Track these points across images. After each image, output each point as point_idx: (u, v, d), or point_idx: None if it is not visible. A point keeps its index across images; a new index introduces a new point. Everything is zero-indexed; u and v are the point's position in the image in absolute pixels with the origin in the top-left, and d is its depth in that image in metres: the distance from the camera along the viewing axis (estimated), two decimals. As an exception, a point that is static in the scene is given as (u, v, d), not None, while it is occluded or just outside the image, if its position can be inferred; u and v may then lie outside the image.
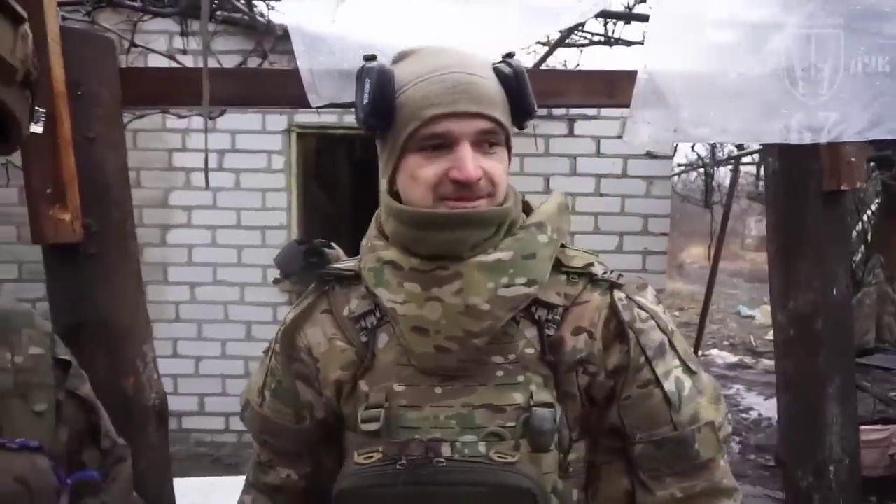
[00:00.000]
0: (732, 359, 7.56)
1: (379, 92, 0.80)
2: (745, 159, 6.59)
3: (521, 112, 0.85)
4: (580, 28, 2.80)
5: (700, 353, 6.14)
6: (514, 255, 0.81)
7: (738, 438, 5.05)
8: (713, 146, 6.06)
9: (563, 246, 0.90)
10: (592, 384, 0.87)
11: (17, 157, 1.40)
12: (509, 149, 0.86)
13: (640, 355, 0.86)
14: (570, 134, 3.87)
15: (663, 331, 0.88)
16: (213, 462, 3.93)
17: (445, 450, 0.82)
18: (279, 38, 2.93)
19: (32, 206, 1.30)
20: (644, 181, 3.88)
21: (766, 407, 5.77)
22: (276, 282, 0.95)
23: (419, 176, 0.81)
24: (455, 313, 0.80)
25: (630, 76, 1.50)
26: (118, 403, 1.39)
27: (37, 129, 1.30)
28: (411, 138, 0.80)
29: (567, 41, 2.90)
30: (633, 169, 3.88)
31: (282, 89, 1.45)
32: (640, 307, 0.88)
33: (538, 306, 0.85)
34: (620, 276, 0.90)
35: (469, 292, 0.80)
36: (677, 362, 0.88)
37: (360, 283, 0.90)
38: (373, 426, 0.82)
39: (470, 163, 0.78)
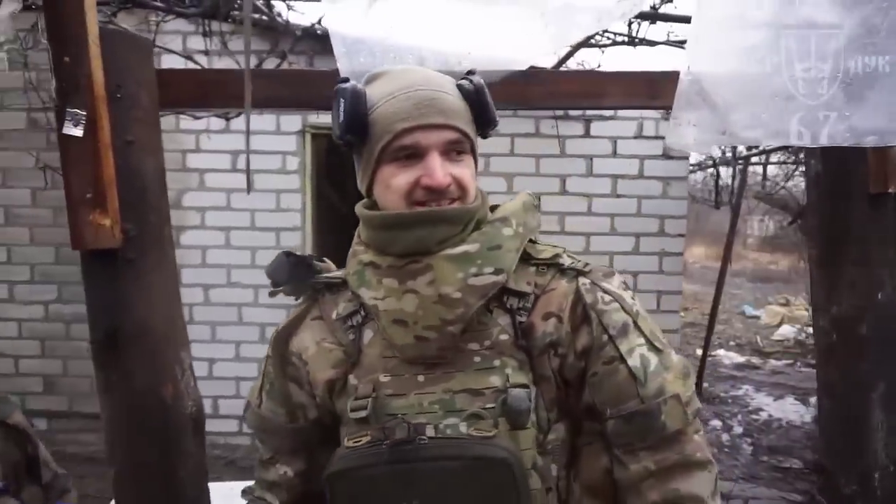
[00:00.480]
0: (740, 359, 7.54)
1: (352, 110, 0.88)
2: (752, 159, 6.57)
3: (483, 122, 0.94)
4: (605, 29, 2.78)
5: (708, 353, 6.10)
6: (480, 247, 0.89)
7: (749, 440, 5.03)
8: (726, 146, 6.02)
9: (532, 241, 0.97)
10: (563, 365, 0.93)
11: (54, 160, 1.38)
12: (475, 156, 0.94)
13: (603, 333, 0.92)
14: (587, 135, 3.85)
15: (627, 312, 0.94)
16: (227, 465, 3.90)
17: (430, 431, 0.87)
18: (297, 38, 2.90)
19: (72, 211, 1.27)
20: (660, 182, 3.85)
21: (776, 408, 5.74)
22: (271, 293, 0.96)
23: (393, 185, 0.89)
24: (430, 303, 0.87)
25: (672, 77, 1.48)
26: (156, 411, 1.36)
27: (76, 132, 1.27)
28: (384, 150, 0.88)
29: (590, 41, 2.87)
30: (649, 170, 3.86)
31: (322, 91, 1.42)
32: (605, 291, 0.94)
33: (509, 295, 0.92)
34: (587, 265, 0.97)
35: (441, 282, 0.87)
36: (642, 341, 0.93)
37: (346, 288, 0.98)
38: (361, 413, 0.89)
39: (439, 170, 0.87)
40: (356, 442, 0.88)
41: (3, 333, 4.02)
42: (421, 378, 0.91)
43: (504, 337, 0.91)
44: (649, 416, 0.90)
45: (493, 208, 0.98)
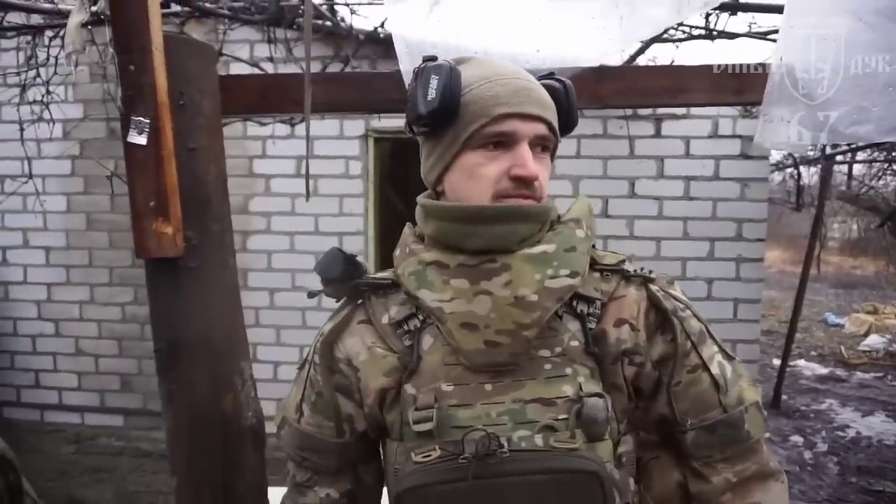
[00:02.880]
0: (822, 371, 7.09)
1: (450, 87, 0.82)
2: (837, 157, 6.17)
3: (566, 125, 0.90)
4: (680, 22, 2.63)
5: (787, 363, 5.75)
6: (556, 248, 0.84)
7: (835, 459, 4.70)
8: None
9: (593, 246, 0.93)
10: (640, 375, 0.89)
11: (122, 168, 1.39)
12: (552, 157, 0.91)
13: (687, 341, 0.89)
14: (658, 135, 3.68)
15: (699, 319, 0.92)
16: (291, 467, 3.94)
17: (503, 445, 0.81)
18: (361, 42, 2.89)
19: (136, 219, 1.27)
20: (738, 183, 3.64)
21: (864, 425, 5.36)
22: (310, 295, 0.87)
23: (479, 173, 0.83)
24: (504, 305, 0.82)
25: (761, 70, 1.35)
26: (215, 423, 1.35)
27: (140, 140, 1.26)
28: (475, 135, 0.83)
29: (663, 36, 2.72)
30: (725, 171, 3.65)
31: (383, 94, 1.37)
32: (675, 298, 0.92)
33: (579, 300, 0.87)
34: (651, 271, 0.93)
35: (518, 284, 0.82)
36: (716, 348, 0.92)
37: (396, 291, 0.92)
38: (426, 426, 0.82)
39: (531, 161, 0.83)
40: (426, 457, 0.81)
41: (84, 333, 4.21)
42: (488, 387, 0.85)
43: (575, 343, 0.86)
44: (733, 426, 0.88)
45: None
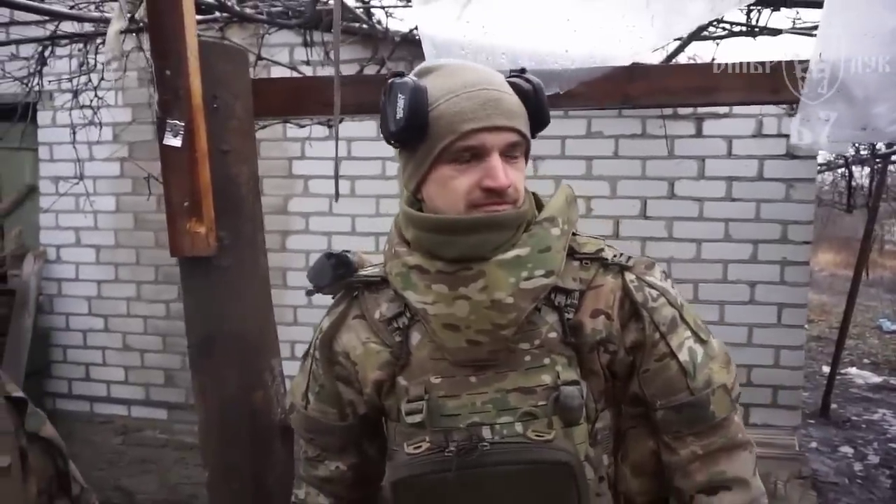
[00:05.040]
0: (875, 379, 6.79)
1: (414, 106, 0.85)
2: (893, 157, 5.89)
3: (539, 123, 0.92)
4: (719, 19, 2.55)
5: (837, 371, 5.53)
6: (531, 251, 0.89)
7: (887, 472, 4.50)
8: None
9: (574, 234, 0.97)
10: (614, 361, 0.95)
11: (158, 170, 1.43)
12: (527, 157, 0.94)
13: (655, 332, 0.94)
14: (698, 134, 3.58)
15: (673, 305, 0.96)
16: (327, 464, 3.99)
17: (486, 433, 0.89)
18: (397, 44, 2.91)
19: (171, 219, 1.31)
20: (783, 184, 3.51)
21: (920, 437, 5.11)
22: (308, 293, 0.96)
23: (452, 186, 0.87)
24: (482, 309, 0.87)
25: (798, 67, 1.31)
26: (246, 418, 1.38)
27: (175, 142, 1.31)
28: (445, 151, 0.86)
29: (702, 33, 2.66)
30: (770, 171, 3.53)
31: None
32: (651, 286, 0.96)
33: (557, 293, 0.92)
34: (629, 258, 0.97)
35: (493, 288, 0.87)
36: (689, 333, 0.96)
37: (387, 287, 0.98)
38: (416, 418, 0.90)
39: (501, 172, 0.86)
40: (416, 448, 0.90)
41: (131, 329, 4.35)
42: (473, 379, 0.92)
43: (553, 335, 0.92)
44: (699, 407, 0.94)
45: (536, 200, 0.98)
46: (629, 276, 0.96)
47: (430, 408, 0.90)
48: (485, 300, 0.87)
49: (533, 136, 0.94)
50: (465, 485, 0.87)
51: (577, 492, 0.88)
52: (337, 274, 1.00)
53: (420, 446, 0.90)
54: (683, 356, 0.94)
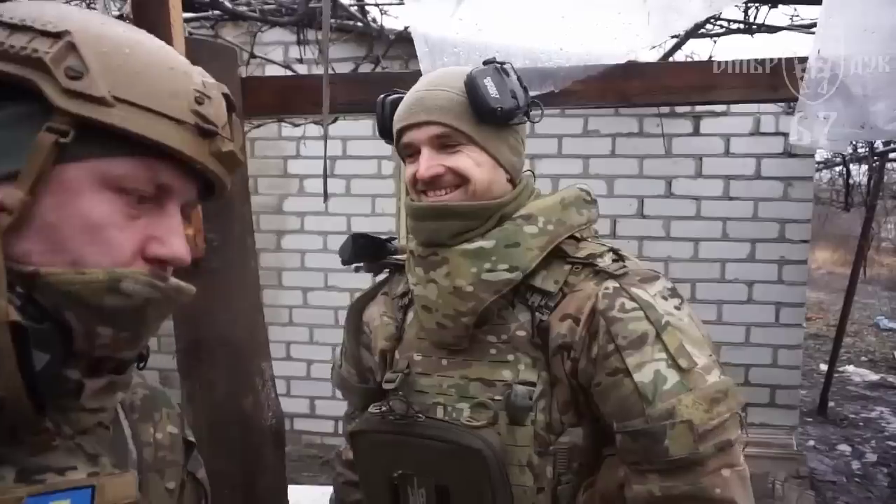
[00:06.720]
0: (873, 377, 6.79)
1: (382, 117, 1.02)
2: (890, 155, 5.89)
3: (481, 114, 0.92)
4: (716, 16, 2.53)
5: (835, 369, 5.52)
6: (496, 244, 0.91)
7: (885, 470, 4.50)
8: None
9: (576, 238, 0.96)
10: (576, 370, 0.92)
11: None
12: (487, 147, 0.93)
13: (609, 343, 0.88)
14: (696, 132, 3.57)
15: (652, 322, 0.88)
16: (323, 465, 3.97)
17: (440, 412, 0.95)
18: (392, 42, 2.89)
19: (158, 221, 1.29)
20: (781, 183, 3.51)
21: (918, 435, 5.11)
22: (357, 269, 1.05)
23: (406, 179, 0.97)
24: (446, 294, 0.92)
25: (796, 65, 1.29)
26: (236, 423, 1.36)
27: (163, 143, 1.28)
28: (400, 152, 0.99)
29: (699, 31, 2.63)
30: (767, 169, 3.52)
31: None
32: (632, 298, 0.89)
33: (533, 292, 0.94)
34: (624, 267, 0.92)
35: (455, 275, 0.91)
36: (663, 356, 0.87)
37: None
38: (390, 385, 0.96)
39: (424, 163, 0.92)
40: (377, 408, 0.97)
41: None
42: (444, 362, 0.98)
43: (521, 333, 0.93)
44: (652, 438, 0.84)
45: (538, 199, 1.00)
46: (608, 284, 0.91)
47: (406, 381, 0.97)
48: (448, 286, 0.92)
49: (486, 123, 0.93)
50: (400, 446, 0.95)
51: (491, 483, 0.89)
52: (362, 253, 1.09)
53: (381, 408, 0.97)
54: (642, 377, 0.86)
